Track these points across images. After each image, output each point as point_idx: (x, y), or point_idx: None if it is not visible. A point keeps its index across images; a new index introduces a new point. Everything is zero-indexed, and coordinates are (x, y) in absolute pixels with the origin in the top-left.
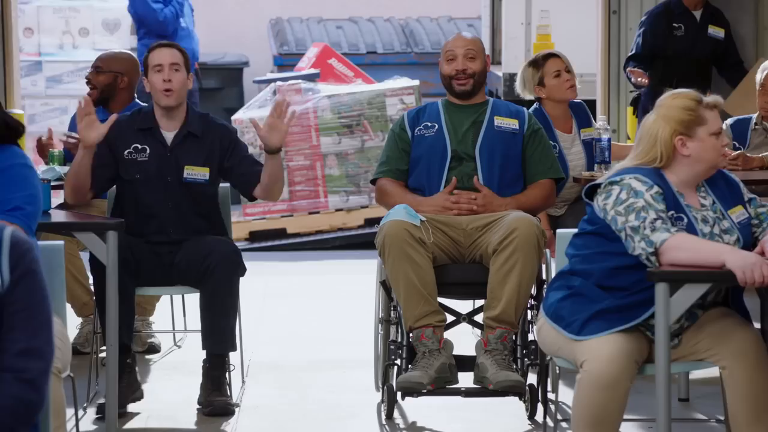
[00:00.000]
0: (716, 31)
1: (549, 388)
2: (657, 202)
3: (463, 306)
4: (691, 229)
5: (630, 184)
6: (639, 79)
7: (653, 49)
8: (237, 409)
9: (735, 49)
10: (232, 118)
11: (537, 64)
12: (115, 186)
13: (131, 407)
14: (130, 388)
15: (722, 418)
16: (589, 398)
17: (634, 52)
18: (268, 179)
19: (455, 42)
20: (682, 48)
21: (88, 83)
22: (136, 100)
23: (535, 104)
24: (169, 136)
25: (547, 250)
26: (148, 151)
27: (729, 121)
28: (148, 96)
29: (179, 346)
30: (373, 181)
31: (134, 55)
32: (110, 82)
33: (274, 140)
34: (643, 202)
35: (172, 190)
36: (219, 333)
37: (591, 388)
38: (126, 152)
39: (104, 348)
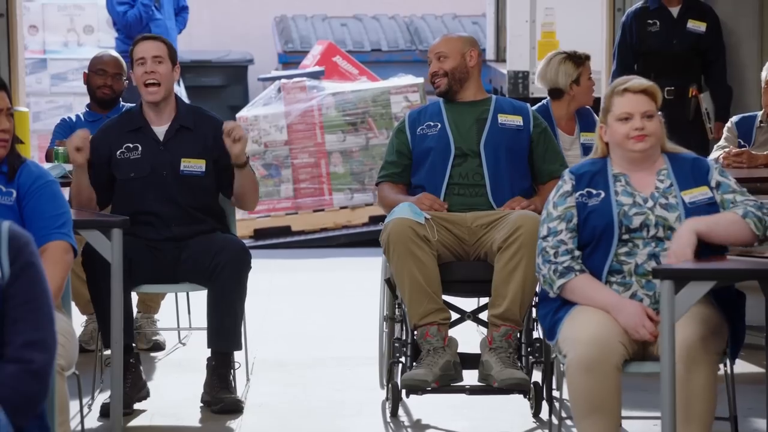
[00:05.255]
0: (696, 26)
1: (554, 385)
2: (559, 221)
3: (468, 304)
4: (606, 202)
5: (551, 200)
6: None
7: (632, 46)
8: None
9: (719, 46)
10: (237, 115)
11: (578, 60)
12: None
13: (136, 405)
14: (135, 388)
15: (726, 416)
16: (576, 384)
17: (615, 51)
18: (237, 189)
19: (431, 47)
20: (659, 43)
21: (109, 89)
22: (122, 103)
23: (542, 102)
24: (160, 131)
25: None
26: (140, 148)
27: (734, 118)
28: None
29: (184, 344)
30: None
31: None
32: (124, 87)
33: (235, 151)
34: (545, 231)
35: (168, 184)
36: (226, 331)
37: (576, 374)
38: (118, 152)
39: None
